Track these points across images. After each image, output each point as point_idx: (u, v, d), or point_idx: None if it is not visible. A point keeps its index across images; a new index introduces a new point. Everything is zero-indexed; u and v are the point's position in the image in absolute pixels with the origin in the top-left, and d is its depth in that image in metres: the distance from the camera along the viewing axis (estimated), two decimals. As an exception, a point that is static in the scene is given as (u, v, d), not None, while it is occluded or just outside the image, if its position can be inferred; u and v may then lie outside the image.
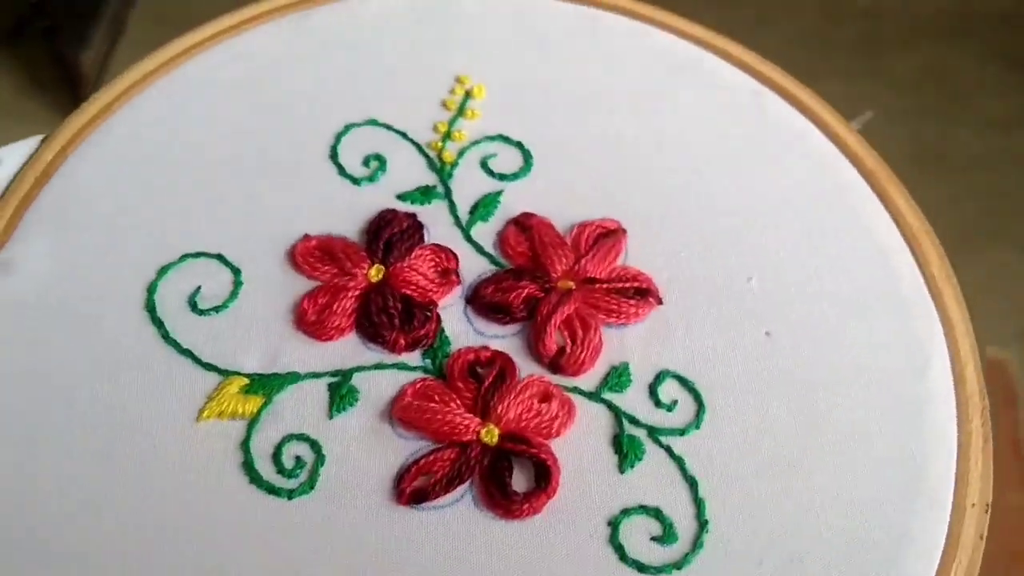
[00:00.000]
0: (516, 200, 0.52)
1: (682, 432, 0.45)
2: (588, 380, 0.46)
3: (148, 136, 0.53)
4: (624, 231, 0.50)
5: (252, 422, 0.44)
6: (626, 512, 0.43)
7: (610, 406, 0.46)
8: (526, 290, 0.48)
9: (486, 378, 0.45)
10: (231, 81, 0.55)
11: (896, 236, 0.52)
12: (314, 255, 0.49)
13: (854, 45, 1.17)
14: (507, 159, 0.53)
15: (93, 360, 0.46)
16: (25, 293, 0.47)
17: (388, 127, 0.54)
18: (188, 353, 0.46)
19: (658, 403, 0.46)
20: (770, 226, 0.51)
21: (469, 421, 0.44)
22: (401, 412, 0.44)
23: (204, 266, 0.49)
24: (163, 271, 0.48)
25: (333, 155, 0.52)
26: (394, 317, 0.47)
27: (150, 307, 0.47)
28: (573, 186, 0.52)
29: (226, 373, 0.46)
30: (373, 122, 0.54)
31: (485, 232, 0.51)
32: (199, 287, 0.48)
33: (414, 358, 0.47)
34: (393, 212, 0.50)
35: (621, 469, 0.44)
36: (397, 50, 0.57)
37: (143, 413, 0.44)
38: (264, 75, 0.55)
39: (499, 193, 0.52)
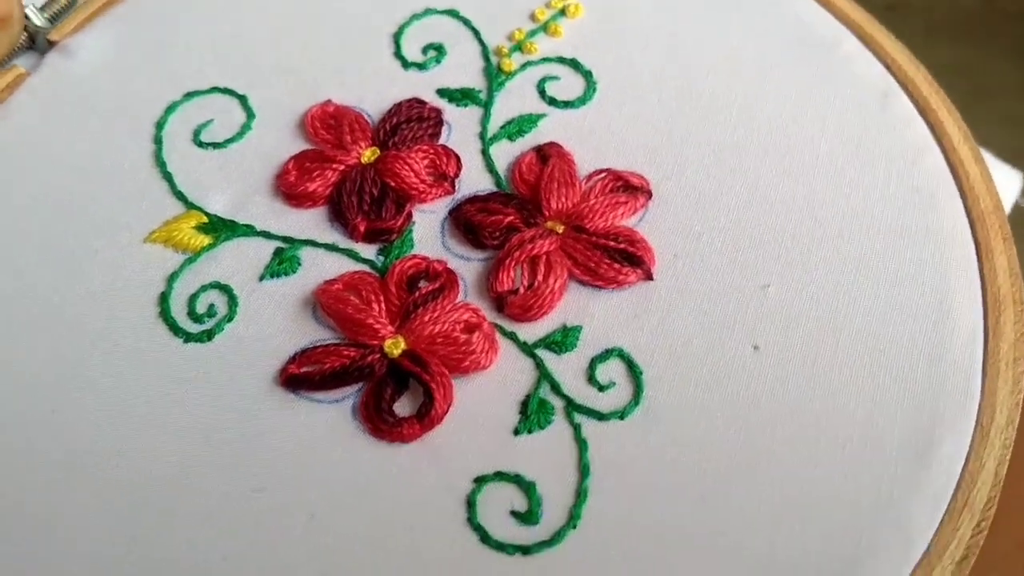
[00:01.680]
0: (554, 130, 0.47)
1: (601, 416, 0.39)
2: (530, 330, 0.41)
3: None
4: (649, 193, 0.44)
5: (190, 259, 0.44)
6: (499, 475, 0.38)
7: (539, 364, 0.41)
8: (508, 218, 0.43)
9: (421, 290, 0.42)
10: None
11: (977, 304, 0.42)
12: (325, 122, 0.47)
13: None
14: (568, 86, 0.48)
15: (86, 156, 0.47)
16: (68, 77, 0.49)
17: (466, 21, 0.50)
18: (168, 177, 0.46)
19: (591, 378, 0.40)
20: (829, 246, 0.43)
21: (380, 326, 0.41)
22: (323, 295, 0.42)
23: (225, 103, 0.48)
24: (189, 96, 0.48)
25: (398, 33, 0.50)
26: (364, 201, 0.44)
27: (159, 125, 0.47)
28: (624, 134, 0.47)
29: (191, 206, 0.45)
30: (453, 12, 0.50)
31: (506, 151, 0.46)
32: (211, 121, 0.47)
33: (368, 250, 0.44)
34: (419, 102, 0.47)
35: (516, 431, 0.39)
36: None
37: (103, 217, 0.45)
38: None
39: (540, 117, 0.47)
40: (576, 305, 0.42)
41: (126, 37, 0.50)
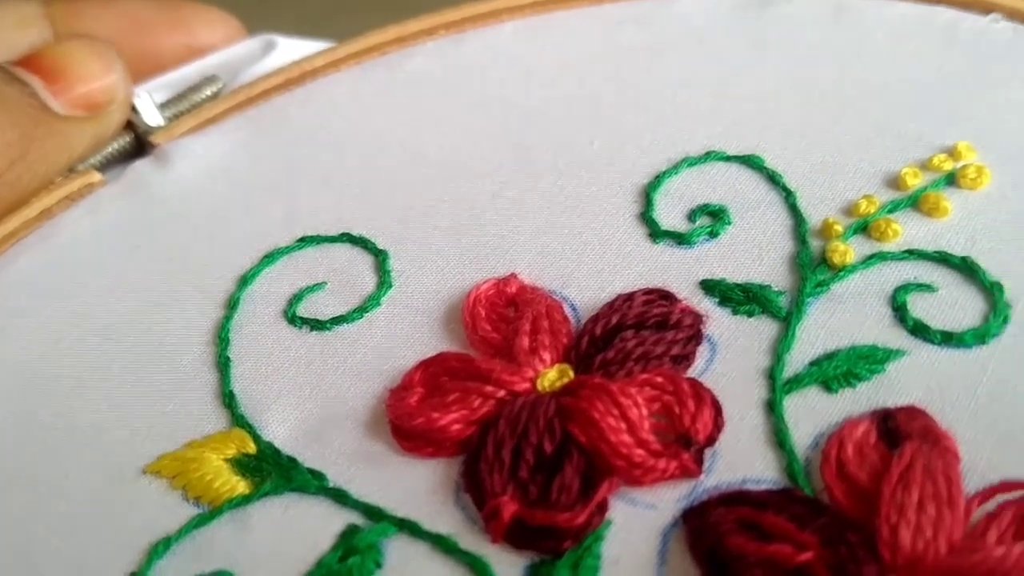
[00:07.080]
0: (918, 384, 0.24)
1: None
2: None
3: (445, 78, 0.35)
4: None
5: (203, 517, 0.24)
6: None
7: None
8: (803, 555, 0.21)
9: None
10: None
11: None
12: (496, 308, 0.27)
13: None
14: (952, 305, 0.26)
15: (119, 318, 0.30)
16: (146, 195, 0.33)
17: (773, 176, 0.29)
18: (225, 365, 0.27)
19: None
20: None
21: None
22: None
23: (353, 260, 0.30)
24: (303, 242, 0.30)
25: (653, 184, 0.30)
26: (524, 462, 0.23)
27: (244, 280, 0.29)
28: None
29: (240, 421, 0.26)
30: (753, 160, 0.30)
31: (814, 410, 0.24)
32: (323, 284, 0.29)
33: (510, 564, 0.22)
34: (665, 296, 0.26)
35: None
36: (877, 72, 0.32)
37: (102, 419, 0.27)
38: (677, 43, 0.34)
39: (893, 355, 0.25)
40: None
41: (245, 148, 0.34)
